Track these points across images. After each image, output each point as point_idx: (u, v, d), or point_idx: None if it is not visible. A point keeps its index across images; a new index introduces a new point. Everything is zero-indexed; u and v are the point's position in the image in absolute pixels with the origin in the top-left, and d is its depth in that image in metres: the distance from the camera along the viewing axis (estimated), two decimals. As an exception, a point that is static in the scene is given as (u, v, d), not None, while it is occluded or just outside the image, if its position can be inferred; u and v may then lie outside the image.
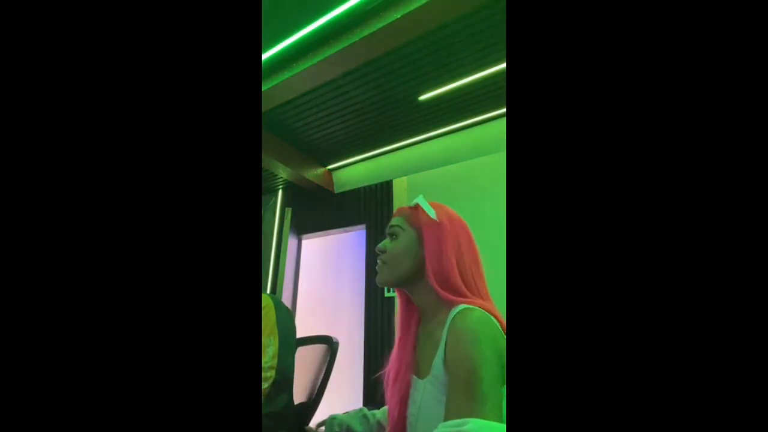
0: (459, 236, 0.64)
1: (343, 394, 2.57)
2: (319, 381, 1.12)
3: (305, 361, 1.15)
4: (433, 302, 0.62)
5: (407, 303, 0.69)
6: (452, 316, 0.56)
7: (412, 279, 0.64)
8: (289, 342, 0.96)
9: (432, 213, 0.65)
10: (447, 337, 0.54)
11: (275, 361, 0.88)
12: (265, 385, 0.84)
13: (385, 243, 0.67)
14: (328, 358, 1.13)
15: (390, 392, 0.64)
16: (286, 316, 0.99)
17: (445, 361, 0.53)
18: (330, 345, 1.15)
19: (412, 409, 0.59)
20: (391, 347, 0.69)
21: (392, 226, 0.67)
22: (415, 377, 0.61)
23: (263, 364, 0.86)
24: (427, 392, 0.56)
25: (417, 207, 0.67)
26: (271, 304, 0.96)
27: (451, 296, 0.59)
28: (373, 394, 2.38)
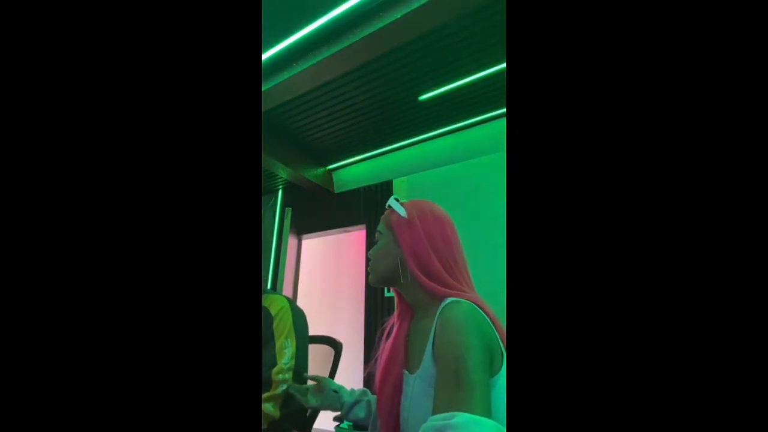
0: (431, 229, 0.65)
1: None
2: (323, 383, 1.12)
3: (309, 362, 1.15)
4: (423, 298, 0.63)
5: (401, 302, 0.71)
6: (440, 309, 0.56)
7: (395, 277, 0.66)
8: (305, 343, 0.97)
9: (402, 211, 0.67)
10: (435, 329, 0.55)
11: (293, 362, 0.88)
12: (284, 387, 0.83)
13: (373, 248, 0.71)
14: (332, 360, 1.13)
15: (380, 385, 0.65)
16: (301, 318, 0.99)
17: (433, 353, 0.54)
18: (334, 347, 1.15)
19: (404, 403, 0.60)
20: None
21: (376, 232, 0.71)
22: (406, 372, 0.62)
23: (282, 366, 0.85)
24: (417, 387, 0.56)
25: (391, 209, 0.70)
26: (288, 306, 0.96)
27: (438, 287, 0.60)
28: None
